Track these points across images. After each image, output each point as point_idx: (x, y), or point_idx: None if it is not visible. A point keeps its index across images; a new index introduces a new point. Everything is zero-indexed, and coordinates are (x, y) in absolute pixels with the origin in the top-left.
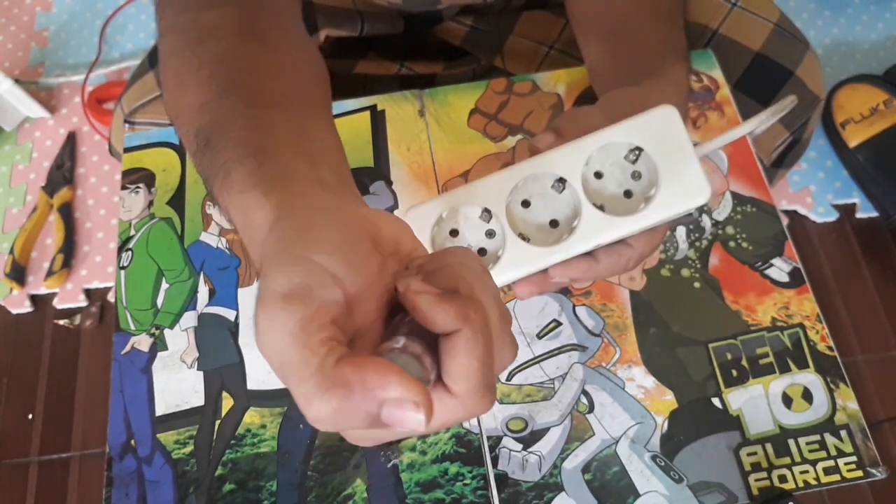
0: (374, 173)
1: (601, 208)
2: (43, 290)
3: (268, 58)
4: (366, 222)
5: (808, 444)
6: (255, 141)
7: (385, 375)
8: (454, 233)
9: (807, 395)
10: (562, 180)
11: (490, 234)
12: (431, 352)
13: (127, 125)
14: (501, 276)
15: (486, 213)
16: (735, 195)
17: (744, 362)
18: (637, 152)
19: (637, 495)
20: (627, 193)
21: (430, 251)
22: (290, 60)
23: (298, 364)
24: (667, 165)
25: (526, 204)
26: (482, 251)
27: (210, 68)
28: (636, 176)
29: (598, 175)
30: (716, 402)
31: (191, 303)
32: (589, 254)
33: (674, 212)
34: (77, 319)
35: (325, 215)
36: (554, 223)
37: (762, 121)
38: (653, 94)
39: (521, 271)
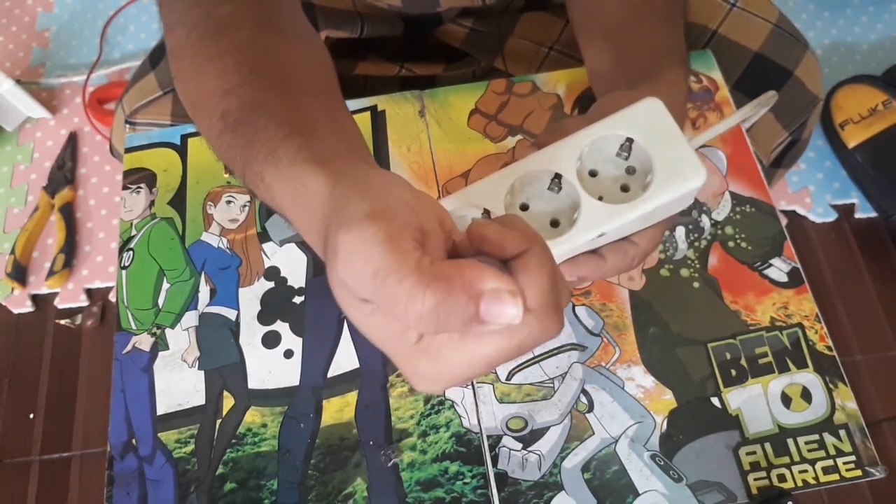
0: None
1: (599, 199)
2: (44, 290)
3: (288, 49)
4: (404, 182)
5: (807, 443)
6: (298, 121)
7: (481, 269)
8: None
9: (806, 395)
10: (557, 177)
11: None
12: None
13: (128, 126)
14: None
15: (486, 214)
16: (734, 195)
17: (743, 362)
18: (628, 144)
19: (636, 494)
20: (624, 188)
21: None
22: (309, 53)
23: (396, 265)
24: (659, 153)
25: (524, 207)
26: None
27: (234, 56)
28: (630, 171)
29: (593, 174)
30: (715, 401)
31: (192, 302)
32: (595, 252)
33: (672, 195)
34: (78, 319)
35: (383, 179)
36: (554, 223)
37: (745, 113)
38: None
39: None
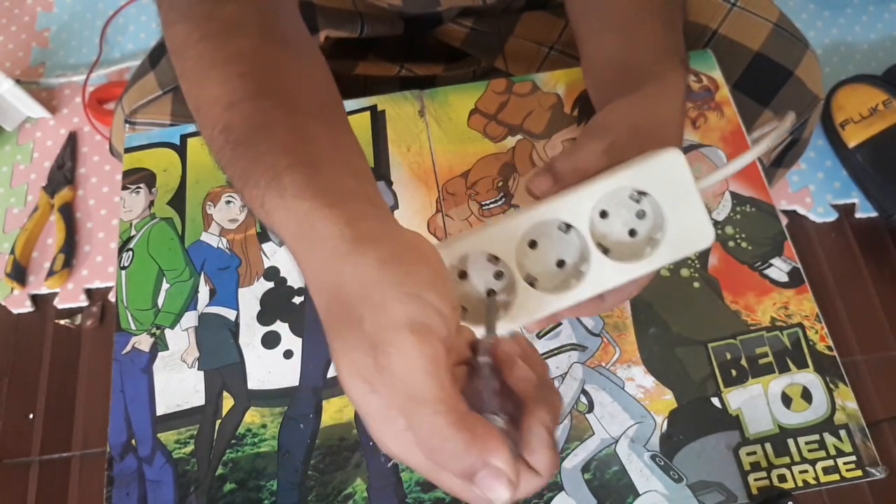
0: (375, 173)
1: (606, 251)
2: (44, 290)
3: (293, 63)
4: (416, 243)
5: (807, 443)
6: (303, 150)
7: (501, 445)
8: (463, 275)
9: (806, 395)
10: (569, 225)
11: (498, 275)
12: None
13: (127, 125)
14: (513, 323)
15: (493, 259)
16: (734, 195)
17: (743, 362)
18: (642, 193)
19: (637, 495)
20: (632, 232)
21: None
22: (310, 66)
23: (435, 400)
24: (672, 210)
25: (533, 244)
26: (491, 292)
27: (239, 66)
28: (640, 215)
29: (604, 214)
30: (715, 401)
31: (191, 303)
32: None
33: (678, 256)
34: (78, 319)
35: (403, 246)
36: (560, 263)
37: (763, 149)
38: (652, 104)
39: (532, 318)
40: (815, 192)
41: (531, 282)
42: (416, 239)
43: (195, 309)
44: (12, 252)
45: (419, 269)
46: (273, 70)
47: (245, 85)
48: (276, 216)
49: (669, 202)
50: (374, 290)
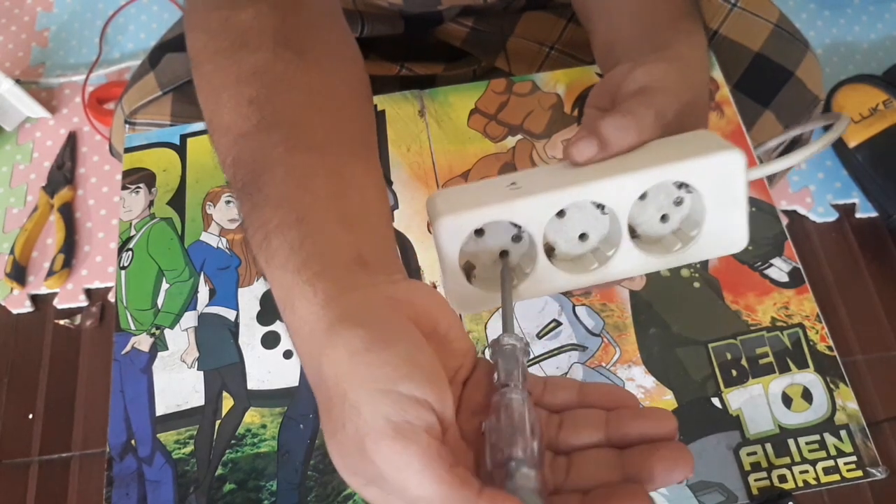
0: None
1: (634, 231)
2: (43, 290)
3: (307, 79)
4: (405, 306)
5: (807, 443)
6: (295, 203)
7: None
8: (479, 232)
9: (806, 395)
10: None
11: (517, 238)
12: (541, 468)
13: (127, 126)
14: (523, 295)
15: (518, 228)
16: None
17: (743, 362)
18: (688, 186)
19: None
20: (664, 217)
21: (457, 258)
22: (329, 82)
23: (441, 498)
24: (714, 210)
25: (561, 213)
26: (504, 253)
27: (249, 89)
28: (678, 202)
29: (643, 196)
30: (715, 401)
31: (191, 303)
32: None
33: (707, 256)
34: (77, 319)
35: (378, 325)
36: (584, 236)
37: (817, 149)
38: (688, 67)
39: (542, 293)
40: (816, 192)
41: (549, 248)
42: (404, 297)
43: (195, 309)
44: (12, 252)
45: (393, 352)
46: (282, 92)
47: (252, 114)
48: (266, 279)
49: (715, 202)
50: (349, 388)
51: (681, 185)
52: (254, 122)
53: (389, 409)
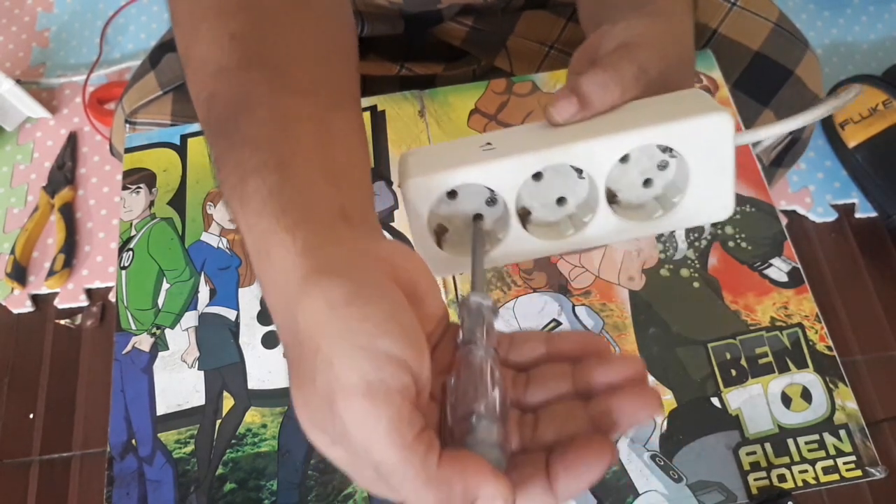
0: (374, 173)
1: (614, 196)
2: (44, 290)
3: (297, 21)
4: (386, 266)
5: (807, 443)
6: (277, 147)
7: (482, 475)
8: (452, 194)
9: (806, 395)
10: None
11: (491, 202)
12: (503, 422)
13: (128, 125)
14: (496, 261)
15: (491, 193)
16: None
17: (743, 362)
18: (672, 150)
19: (636, 494)
20: (647, 182)
21: (426, 220)
22: (319, 26)
23: (400, 466)
24: (700, 175)
25: (538, 176)
26: (478, 217)
27: (231, 23)
28: (662, 166)
29: (624, 158)
30: (715, 401)
31: (191, 303)
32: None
33: (690, 224)
34: (78, 319)
35: (359, 279)
36: (561, 200)
37: (823, 112)
38: (672, 24)
39: (516, 260)
40: (815, 192)
41: (524, 213)
42: (387, 255)
43: (195, 309)
44: (12, 252)
45: (373, 308)
46: (269, 28)
47: (234, 49)
48: (240, 226)
49: (701, 166)
50: (323, 342)
51: (666, 149)
52: (236, 58)
53: (365, 366)
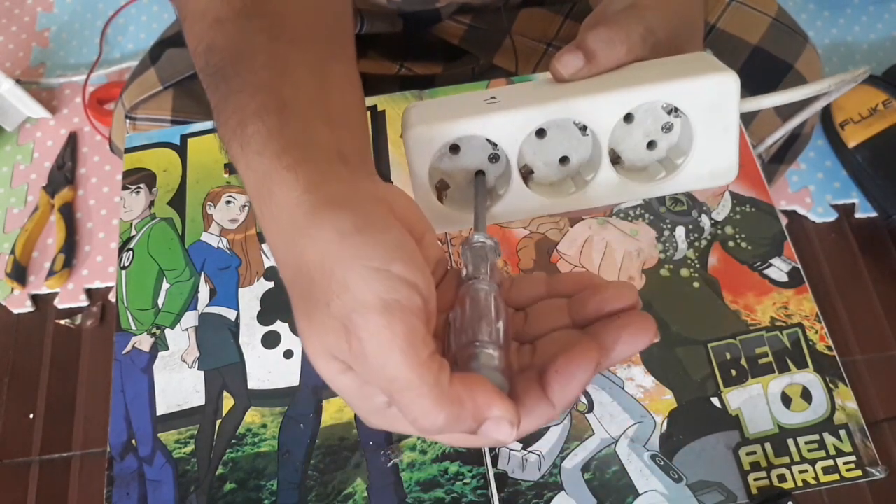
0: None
1: (618, 157)
2: (44, 290)
3: None
4: (386, 205)
5: (807, 443)
6: (277, 91)
7: (490, 397)
8: (455, 149)
9: (806, 395)
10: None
11: (494, 158)
12: (506, 351)
13: (128, 121)
14: (497, 218)
15: (493, 145)
16: (734, 195)
17: (743, 362)
18: (678, 110)
19: (637, 494)
20: (651, 144)
21: (427, 173)
22: None
23: (415, 382)
24: (704, 137)
25: (541, 133)
26: (480, 173)
27: None
28: (667, 128)
29: (628, 118)
30: (715, 401)
31: (191, 303)
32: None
33: (693, 186)
34: (78, 319)
35: (367, 210)
36: (564, 159)
37: (827, 85)
38: None
39: (518, 217)
40: (815, 192)
41: (527, 172)
42: (386, 195)
43: (195, 309)
44: (12, 252)
45: (385, 236)
46: None
47: (232, 0)
48: (240, 168)
49: (705, 127)
50: (337, 266)
51: (671, 111)
52: (234, 8)
53: (380, 286)
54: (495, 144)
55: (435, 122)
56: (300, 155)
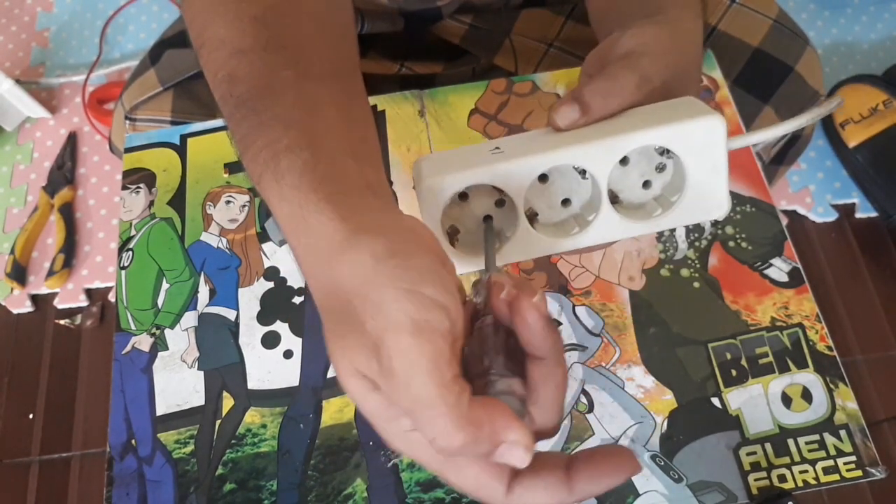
0: None
1: (616, 197)
2: (44, 290)
3: (313, 7)
4: (415, 232)
5: (807, 443)
6: (306, 128)
7: (508, 421)
8: (463, 196)
9: (806, 395)
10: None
11: (500, 203)
12: (521, 380)
13: (128, 122)
14: (505, 258)
15: (500, 193)
16: (734, 195)
17: (743, 362)
18: (669, 151)
19: (637, 495)
20: (646, 184)
21: (439, 220)
22: (331, 12)
23: (437, 401)
24: (695, 175)
25: (543, 178)
26: (488, 218)
27: (251, 9)
28: (660, 168)
29: (624, 161)
30: (715, 401)
31: (191, 303)
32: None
33: (688, 221)
34: (78, 319)
35: (399, 237)
36: (566, 202)
37: (805, 121)
38: (679, 33)
39: (525, 257)
40: (816, 192)
41: (532, 215)
42: (413, 225)
43: (195, 309)
44: (12, 252)
45: (416, 261)
46: (291, 15)
47: (256, 32)
48: (272, 199)
49: (696, 167)
50: (371, 288)
51: (663, 152)
52: (259, 41)
53: (412, 308)
54: (501, 191)
55: (445, 174)
56: (334, 188)
